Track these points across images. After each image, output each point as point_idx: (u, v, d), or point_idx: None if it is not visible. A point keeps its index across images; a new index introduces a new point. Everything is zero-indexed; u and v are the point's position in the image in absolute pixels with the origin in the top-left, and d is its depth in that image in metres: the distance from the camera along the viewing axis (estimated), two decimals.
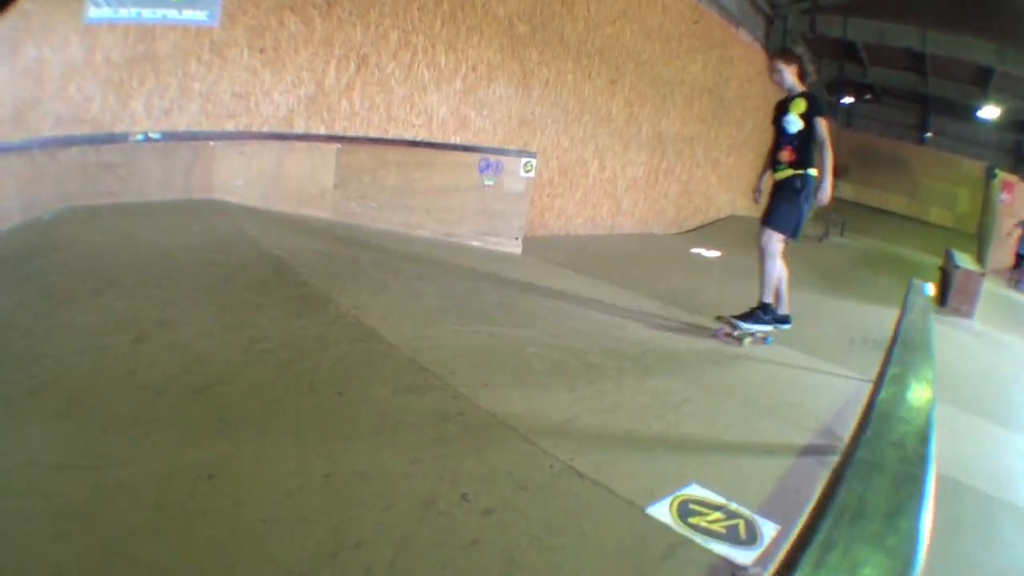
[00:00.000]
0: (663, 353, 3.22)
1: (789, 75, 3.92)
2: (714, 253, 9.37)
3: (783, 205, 3.89)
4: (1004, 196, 19.17)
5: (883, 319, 7.10)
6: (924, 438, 1.22)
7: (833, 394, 2.99)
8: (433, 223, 4.91)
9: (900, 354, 2.03)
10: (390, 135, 5.35)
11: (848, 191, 23.71)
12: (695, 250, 9.37)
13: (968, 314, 9.27)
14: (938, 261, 13.76)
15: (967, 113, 22.38)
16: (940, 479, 2.27)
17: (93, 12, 3.73)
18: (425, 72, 5.64)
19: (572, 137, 7.58)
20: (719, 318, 4.07)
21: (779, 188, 3.93)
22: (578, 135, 7.68)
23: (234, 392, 1.71)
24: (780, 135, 3.92)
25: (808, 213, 3.99)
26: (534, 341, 2.73)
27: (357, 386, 1.87)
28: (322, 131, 4.92)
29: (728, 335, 3.97)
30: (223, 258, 2.89)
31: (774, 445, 2.09)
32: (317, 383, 1.84)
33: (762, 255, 3.94)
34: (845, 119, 26.25)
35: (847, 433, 2.46)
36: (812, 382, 3.46)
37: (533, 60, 6.78)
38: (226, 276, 2.62)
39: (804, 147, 3.84)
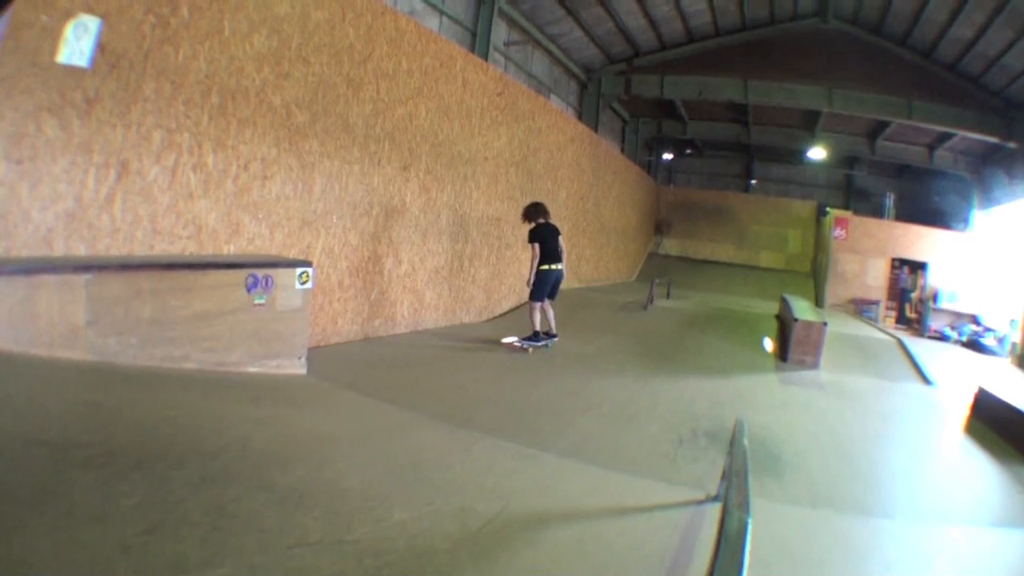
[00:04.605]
0: (419, 555, 2.94)
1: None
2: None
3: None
4: (838, 232, 22.44)
5: (715, 397, 7.89)
6: None
7: (654, 546, 3.12)
8: (200, 353, 5.26)
9: None
10: (156, 251, 5.73)
11: (672, 247, 26.65)
12: (507, 339, 10.15)
13: (814, 365, 10.54)
14: (773, 307, 15.44)
15: (794, 156, 26.55)
16: None
17: None
18: (191, 175, 6.11)
19: (362, 233, 8.30)
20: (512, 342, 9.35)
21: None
22: (368, 230, 8.43)
23: None
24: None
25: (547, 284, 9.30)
26: None
27: None
28: (83, 251, 5.20)
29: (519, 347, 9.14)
30: None
31: None
32: None
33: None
34: (666, 176, 29.70)
35: None
36: (631, 529, 3.54)
37: (314, 152, 7.45)
38: None
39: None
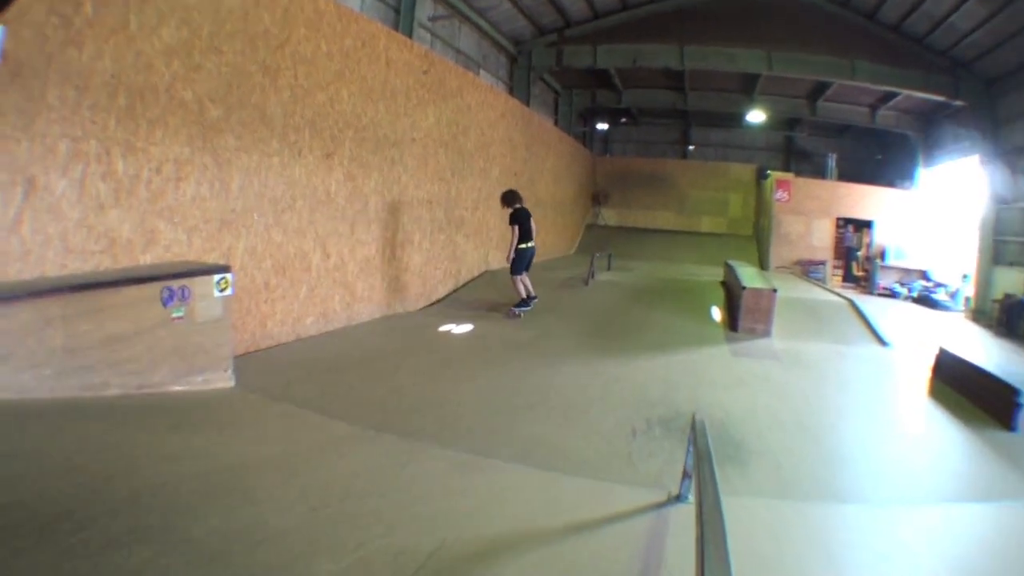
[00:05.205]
0: None
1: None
2: (465, 327, 10.27)
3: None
4: (781, 194, 23.05)
5: (667, 377, 7.83)
6: None
7: (619, 566, 3.00)
8: (120, 377, 5.12)
9: None
10: (69, 270, 5.52)
11: (611, 217, 26.94)
12: (444, 327, 10.18)
13: (765, 333, 10.58)
14: (718, 272, 15.62)
15: (733, 121, 26.95)
16: None
17: None
18: (101, 185, 5.91)
19: (286, 229, 8.18)
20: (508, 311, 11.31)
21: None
22: (292, 225, 8.31)
23: None
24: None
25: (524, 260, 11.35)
26: None
27: None
28: None
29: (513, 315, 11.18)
30: None
31: None
32: None
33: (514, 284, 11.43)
34: (602, 146, 29.88)
35: None
36: (591, 547, 3.42)
37: (230, 147, 7.29)
38: None
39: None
